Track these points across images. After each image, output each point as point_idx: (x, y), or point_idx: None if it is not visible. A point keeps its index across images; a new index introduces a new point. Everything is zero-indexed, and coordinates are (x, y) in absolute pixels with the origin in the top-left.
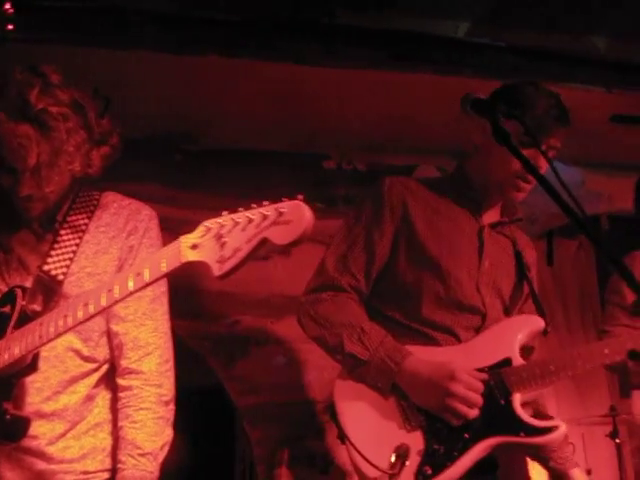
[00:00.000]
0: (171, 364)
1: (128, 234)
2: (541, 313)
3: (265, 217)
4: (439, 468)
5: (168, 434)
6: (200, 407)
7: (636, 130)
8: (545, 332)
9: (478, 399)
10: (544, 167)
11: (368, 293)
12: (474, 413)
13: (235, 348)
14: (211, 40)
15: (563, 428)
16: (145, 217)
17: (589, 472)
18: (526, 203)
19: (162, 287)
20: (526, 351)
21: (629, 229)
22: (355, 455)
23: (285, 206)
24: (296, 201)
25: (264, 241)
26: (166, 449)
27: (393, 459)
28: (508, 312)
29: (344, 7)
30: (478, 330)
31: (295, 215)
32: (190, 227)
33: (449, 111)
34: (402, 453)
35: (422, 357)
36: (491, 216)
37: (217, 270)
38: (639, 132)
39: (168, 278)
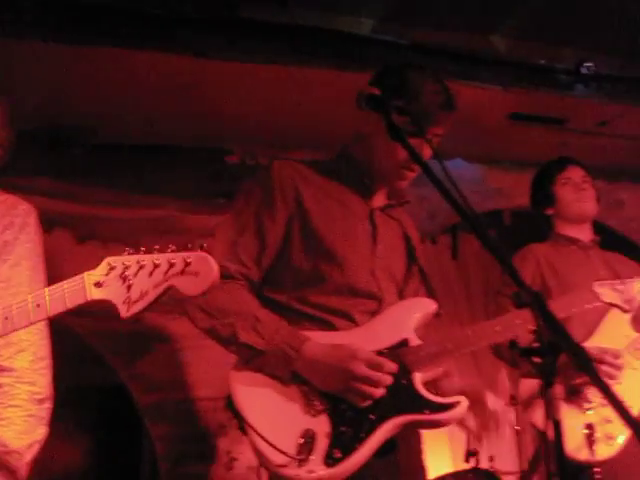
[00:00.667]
0: (47, 362)
1: (4, 228)
2: (432, 295)
3: (172, 265)
4: (348, 450)
5: (40, 433)
6: (105, 406)
7: (533, 128)
8: (438, 314)
9: (383, 377)
10: (428, 155)
11: (259, 281)
12: (380, 392)
13: (136, 346)
14: (110, 32)
15: (465, 403)
16: (22, 212)
17: (492, 459)
18: (426, 198)
19: (40, 283)
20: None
21: (530, 224)
22: (259, 443)
23: (192, 257)
24: (203, 254)
25: (170, 288)
26: (36, 447)
27: (300, 444)
28: (401, 295)
29: (247, 0)
30: (374, 314)
31: (202, 267)
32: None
33: (352, 107)
34: (309, 438)
35: (321, 341)
36: (380, 199)
37: (124, 312)
38: (536, 130)
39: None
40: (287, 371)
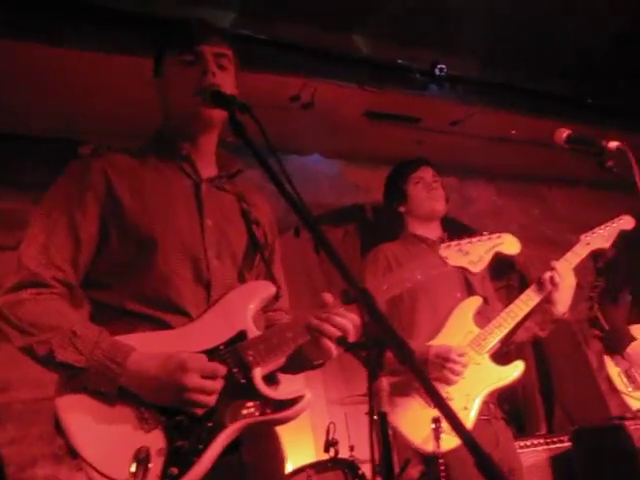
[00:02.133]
0: None
1: None
2: (270, 277)
3: None
4: (186, 466)
5: None
6: None
7: (389, 126)
8: (277, 297)
9: (216, 385)
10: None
11: (80, 284)
12: (213, 400)
13: None
14: None
15: (308, 396)
16: None
17: (352, 448)
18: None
19: None
20: None
21: (392, 218)
22: (90, 472)
23: None
24: None
25: None
26: None
27: (134, 467)
28: (242, 276)
29: None
30: (208, 301)
31: None
32: None
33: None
34: (142, 457)
35: (150, 348)
36: (208, 170)
37: None
38: (392, 128)
39: None
40: (112, 387)
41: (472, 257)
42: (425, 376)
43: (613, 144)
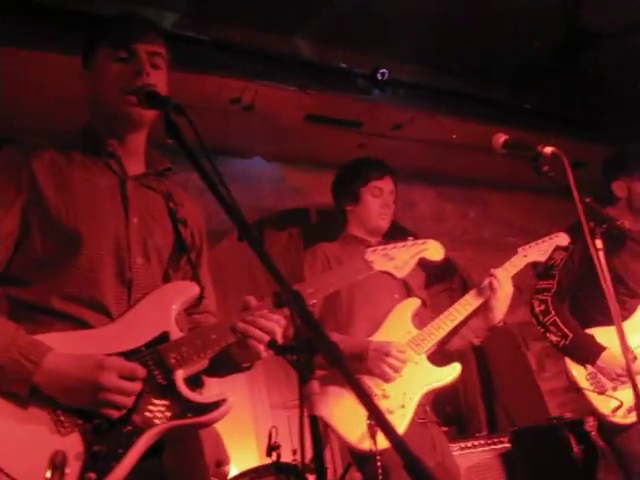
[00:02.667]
0: None
1: None
2: (195, 278)
3: None
4: (105, 471)
5: None
6: None
7: (331, 129)
8: (200, 298)
9: (134, 386)
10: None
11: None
12: (130, 402)
13: None
14: None
15: (230, 400)
16: None
17: (295, 452)
18: (202, 205)
19: None
20: None
21: (336, 222)
22: (1, 477)
23: None
24: None
25: None
26: None
27: (49, 474)
28: (168, 276)
29: None
30: (129, 301)
31: None
32: None
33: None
34: (58, 462)
35: (69, 348)
36: (136, 168)
37: None
38: (334, 131)
39: None
40: (26, 387)
41: (397, 262)
42: (355, 379)
43: (548, 149)
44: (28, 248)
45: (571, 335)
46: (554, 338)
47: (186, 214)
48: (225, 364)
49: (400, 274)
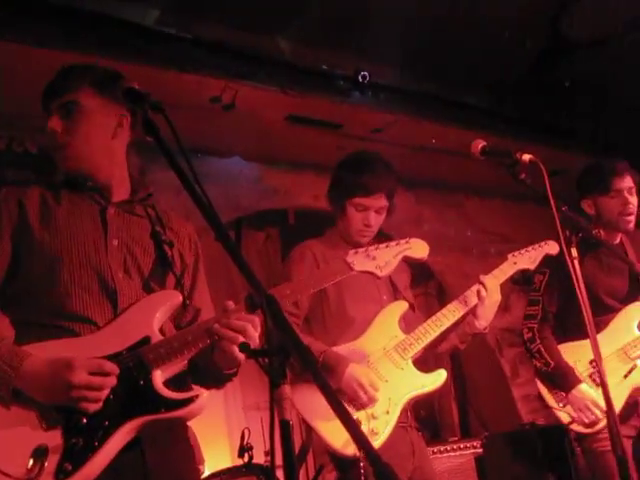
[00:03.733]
0: None
1: None
2: (179, 287)
3: None
4: (80, 462)
5: None
6: None
7: (310, 130)
8: (185, 305)
9: (105, 380)
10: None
11: None
12: (102, 396)
13: None
14: None
15: (204, 396)
16: None
17: (267, 453)
18: (180, 203)
19: None
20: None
21: (314, 223)
22: None
23: None
24: None
25: None
26: None
27: (30, 463)
28: (151, 289)
29: None
30: (115, 311)
31: None
32: None
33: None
34: (39, 454)
35: (53, 354)
36: (119, 195)
37: None
38: (313, 133)
39: None
40: (7, 391)
41: (379, 262)
42: (327, 385)
43: (526, 157)
44: (19, 273)
45: (552, 363)
46: (538, 364)
47: (174, 236)
48: (210, 372)
49: (382, 273)
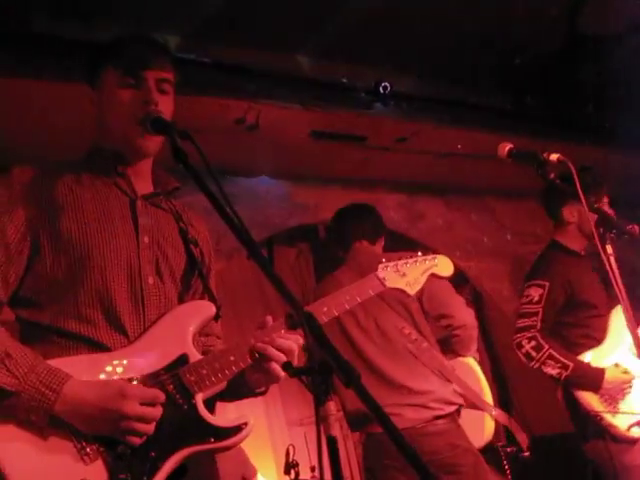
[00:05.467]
0: None
1: None
2: (211, 297)
3: None
4: None
5: None
6: None
7: (335, 145)
8: (217, 317)
9: (155, 412)
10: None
11: (9, 301)
12: (151, 429)
13: None
14: None
15: (251, 425)
16: None
17: (313, 469)
18: (211, 225)
19: None
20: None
21: None
22: None
23: None
24: None
25: None
26: None
27: None
28: (181, 296)
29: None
30: (143, 320)
31: None
32: None
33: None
34: None
35: (87, 373)
36: (144, 187)
37: None
38: (338, 147)
39: None
40: (44, 415)
41: (409, 279)
42: (371, 400)
43: (554, 156)
44: (39, 269)
45: (572, 364)
46: (553, 371)
47: (196, 234)
48: (240, 389)
49: (412, 291)
